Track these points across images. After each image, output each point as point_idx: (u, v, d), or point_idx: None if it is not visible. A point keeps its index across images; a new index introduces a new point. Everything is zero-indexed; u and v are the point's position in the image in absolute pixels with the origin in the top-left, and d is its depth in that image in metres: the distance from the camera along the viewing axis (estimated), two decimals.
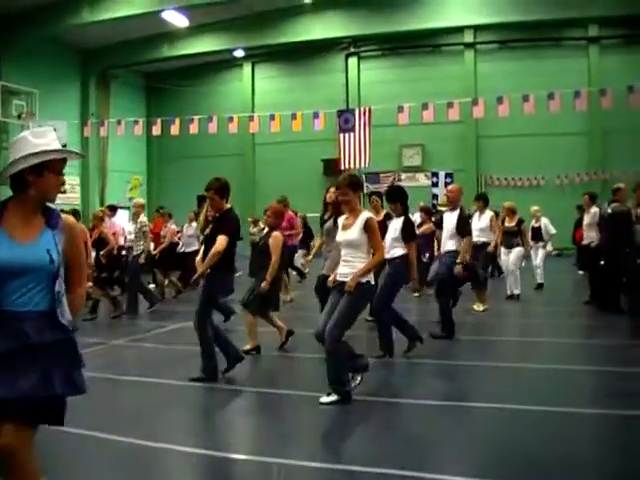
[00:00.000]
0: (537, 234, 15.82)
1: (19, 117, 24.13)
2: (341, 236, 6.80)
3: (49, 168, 3.36)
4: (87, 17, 23.40)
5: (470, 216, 12.19)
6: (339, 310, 6.56)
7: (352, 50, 29.74)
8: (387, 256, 8.29)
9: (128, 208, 27.55)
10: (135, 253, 13.64)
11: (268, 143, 29.79)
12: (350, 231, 6.67)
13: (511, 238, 14.09)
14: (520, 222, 14.30)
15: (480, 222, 12.74)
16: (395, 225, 8.74)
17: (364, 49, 29.77)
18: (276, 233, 9.38)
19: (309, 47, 28.75)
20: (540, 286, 16.05)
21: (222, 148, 29.63)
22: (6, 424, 3.21)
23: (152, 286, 16.25)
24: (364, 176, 27.99)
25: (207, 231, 7.70)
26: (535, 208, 15.99)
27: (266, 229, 10.15)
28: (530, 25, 26.55)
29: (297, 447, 5.44)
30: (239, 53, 29.86)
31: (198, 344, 7.55)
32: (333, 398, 6.52)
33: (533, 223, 15.90)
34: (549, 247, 16.49)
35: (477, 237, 12.19)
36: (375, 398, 6.74)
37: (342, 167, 25.79)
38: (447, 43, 28.59)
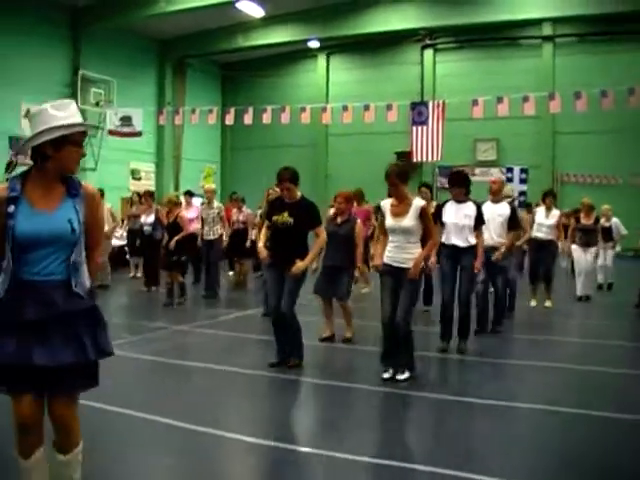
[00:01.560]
0: (607, 234, 15.34)
1: (97, 104, 24.63)
2: (394, 223, 6.98)
3: (69, 141, 3.39)
4: (164, 7, 23.73)
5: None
6: (407, 297, 6.89)
7: (428, 42, 29.27)
8: (463, 244, 8.32)
9: (202, 196, 27.90)
10: (214, 237, 13.80)
11: (341, 134, 29.74)
12: (405, 218, 6.89)
13: (588, 236, 13.76)
14: (597, 220, 14.02)
15: (549, 220, 12.49)
16: (465, 211, 8.40)
17: (440, 41, 29.37)
18: (359, 222, 9.51)
19: (384, 38, 28.45)
20: (610, 286, 15.86)
21: (295, 138, 29.67)
22: (56, 396, 3.38)
23: (230, 273, 16.38)
24: (437, 169, 27.76)
25: (281, 218, 7.58)
26: (606, 207, 15.57)
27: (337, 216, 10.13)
28: (611, 18, 25.58)
29: (336, 439, 5.45)
30: (314, 44, 29.76)
31: (287, 333, 7.73)
32: (407, 375, 6.93)
33: (603, 222, 15.26)
34: (618, 248, 16.06)
35: (545, 235, 12.35)
36: (421, 393, 6.72)
37: (414, 160, 25.61)
38: (525, 36, 27.91)
